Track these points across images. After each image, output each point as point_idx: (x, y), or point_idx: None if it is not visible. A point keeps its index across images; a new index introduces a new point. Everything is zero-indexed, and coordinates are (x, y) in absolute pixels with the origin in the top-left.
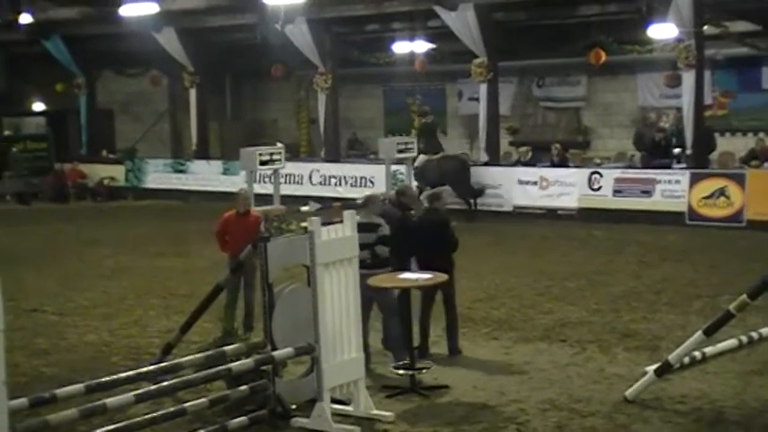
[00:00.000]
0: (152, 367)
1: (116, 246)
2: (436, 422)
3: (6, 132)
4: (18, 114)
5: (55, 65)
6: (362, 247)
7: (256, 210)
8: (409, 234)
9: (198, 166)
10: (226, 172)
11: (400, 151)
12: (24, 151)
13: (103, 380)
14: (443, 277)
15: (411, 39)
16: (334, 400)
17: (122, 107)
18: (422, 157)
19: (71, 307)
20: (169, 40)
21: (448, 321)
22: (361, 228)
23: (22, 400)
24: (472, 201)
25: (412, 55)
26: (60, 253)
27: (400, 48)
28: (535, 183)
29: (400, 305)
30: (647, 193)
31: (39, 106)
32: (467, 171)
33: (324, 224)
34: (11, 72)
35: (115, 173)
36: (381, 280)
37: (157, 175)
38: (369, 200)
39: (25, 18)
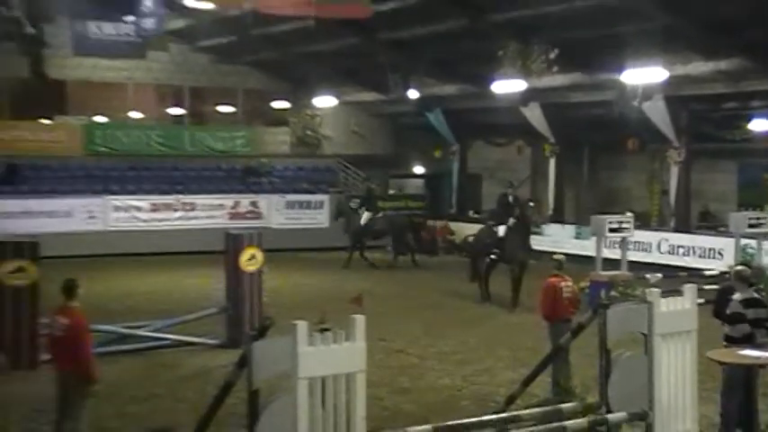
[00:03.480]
0: (495, 416)
1: (473, 299)
2: None
3: (391, 191)
4: (402, 176)
5: (434, 134)
6: (758, 323)
7: (603, 274)
8: None
9: (553, 229)
10: (578, 236)
11: (751, 225)
12: (404, 208)
13: (450, 423)
14: None
15: None
16: None
17: (489, 173)
18: (367, 214)
19: (432, 351)
20: (534, 114)
21: None
22: (751, 303)
23: None
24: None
25: None
26: (426, 301)
27: (758, 125)
28: None
29: (737, 381)
30: None
31: (418, 169)
32: (412, 226)
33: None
34: (399, 139)
35: None
36: (724, 354)
37: None
38: (741, 275)
39: (413, 93)
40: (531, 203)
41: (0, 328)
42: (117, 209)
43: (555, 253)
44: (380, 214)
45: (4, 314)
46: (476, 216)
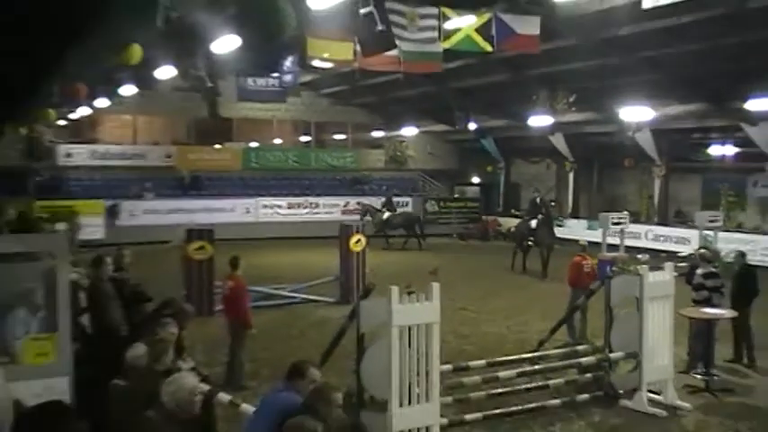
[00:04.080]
0: (530, 354)
1: (515, 272)
2: (722, 413)
3: (456, 195)
4: (464, 184)
5: (487, 154)
6: (715, 289)
7: (607, 255)
8: (745, 282)
9: (571, 222)
10: (589, 228)
11: (710, 221)
12: (465, 207)
13: (498, 359)
14: (734, 313)
15: (723, 143)
16: (650, 391)
17: (526, 183)
18: (388, 213)
19: (486, 308)
20: (558, 141)
21: (744, 341)
22: (710, 276)
23: (449, 366)
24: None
25: (723, 155)
26: (481, 273)
27: (715, 150)
28: None
29: (700, 331)
30: None
31: (476, 180)
32: (419, 221)
33: (651, 270)
34: (461, 158)
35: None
36: (690, 311)
37: None
38: (703, 256)
39: (472, 126)
40: (553, 203)
41: (189, 288)
42: (265, 206)
43: (576, 240)
44: (398, 212)
45: (191, 278)
46: (516, 213)
